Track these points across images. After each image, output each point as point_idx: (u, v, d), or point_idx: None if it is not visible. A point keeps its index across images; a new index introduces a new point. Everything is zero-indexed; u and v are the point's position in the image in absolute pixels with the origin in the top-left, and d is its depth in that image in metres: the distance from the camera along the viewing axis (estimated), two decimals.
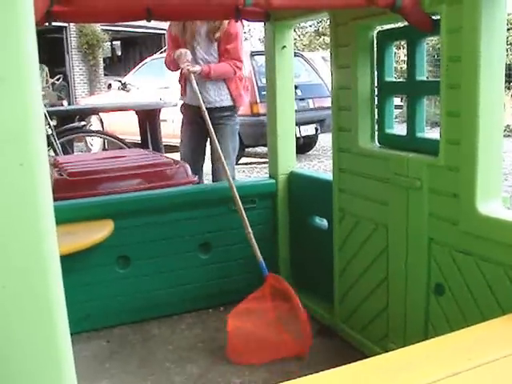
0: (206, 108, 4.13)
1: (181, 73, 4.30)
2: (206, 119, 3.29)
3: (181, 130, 4.56)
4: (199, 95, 3.44)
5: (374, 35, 2.38)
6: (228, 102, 4.31)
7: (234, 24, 4.17)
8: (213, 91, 4.24)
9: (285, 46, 2.97)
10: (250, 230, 2.87)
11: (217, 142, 3.29)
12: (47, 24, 2.21)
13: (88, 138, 10.43)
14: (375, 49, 2.38)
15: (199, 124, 4.09)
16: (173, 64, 4.26)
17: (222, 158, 3.14)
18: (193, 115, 4.23)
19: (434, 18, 2.00)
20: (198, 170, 4.23)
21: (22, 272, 0.79)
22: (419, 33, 2.12)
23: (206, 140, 4.35)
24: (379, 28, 2.41)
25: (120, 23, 17.17)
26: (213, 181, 4.40)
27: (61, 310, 0.83)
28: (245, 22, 3.41)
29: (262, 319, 2.66)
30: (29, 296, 0.80)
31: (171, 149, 7.34)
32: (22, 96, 0.75)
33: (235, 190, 2.87)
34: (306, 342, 2.60)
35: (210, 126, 3.27)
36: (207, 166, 4.55)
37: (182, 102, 4.53)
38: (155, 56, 11.59)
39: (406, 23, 2.13)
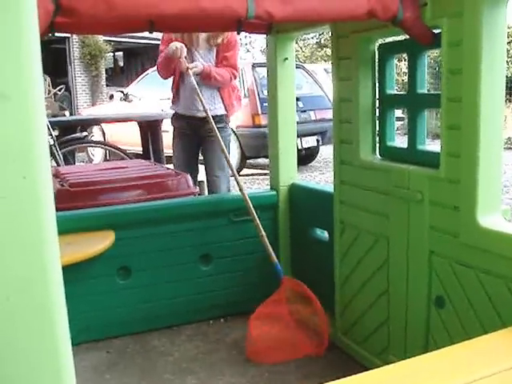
0: (200, 118, 4.13)
1: (173, 80, 4.25)
2: (211, 121, 3.29)
3: (173, 143, 4.47)
4: (198, 90, 3.40)
5: (376, 48, 2.39)
6: (221, 111, 4.28)
7: (233, 33, 4.18)
8: (206, 99, 4.17)
9: (286, 58, 2.98)
10: (263, 233, 2.90)
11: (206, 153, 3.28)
12: (50, 35, 2.22)
13: (90, 149, 10.45)
14: (376, 61, 2.39)
15: (191, 136, 4.09)
16: (165, 68, 4.15)
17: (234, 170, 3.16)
18: (185, 126, 4.21)
19: (434, 31, 2.02)
20: (194, 182, 4.22)
21: (25, 283, 0.80)
22: (420, 46, 2.13)
23: (199, 151, 4.33)
24: (381, 41, 2.42)
25: (122, 34, 17.27)
26: (208, 192, 4.38)
27: (62, 319, 0.84)
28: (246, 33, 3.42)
29: (281, 322, 2.76)
30: (31, 307, 0.81)
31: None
32: (25, 111, 0.76)
33: (248, 198, 2.88)
34: (324, 341, 2.68)
35: (216, 131, 3.29)
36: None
37: (172, 111, 4.44)
38: None
39: (407, 36, 2.14)
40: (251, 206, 2.89)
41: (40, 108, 0.78)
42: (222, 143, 3.44)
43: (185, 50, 3.96)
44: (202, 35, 4.14)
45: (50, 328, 0.82)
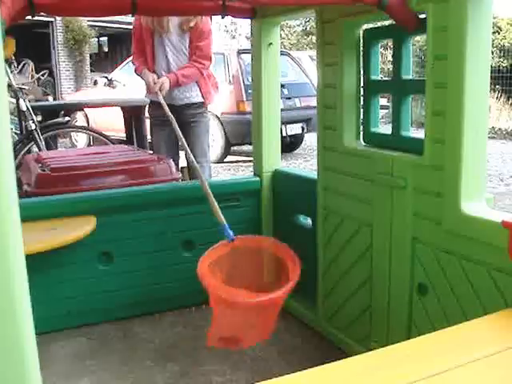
0: (177, 105, 4.11)
1: (148, 70, 4.24)
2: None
3: (151, 133, 4.46)
4: (167, 108, 3.39)
5: (361, 33, 2.38)
6: (199, 99, 4.30)
7: (207, 21, 4.15)
8: (183, 87, 4.20)
9: (271, 43, 2.96)
10: (213, 198, 2.68)
11: (185, 142, 3.23)
12: (31, 17, 2.17)
13: (73, 135, 10.37)
14: (361, 47, 2.38)
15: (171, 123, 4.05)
16: (139, 73, 4.24)
17: (193, 160, 3.05)
18: (164, 114, 4.17)
19: (420, 16, 2.00)
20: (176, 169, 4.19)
21: None
22: (405, 31, 2.11)
23: None
24: (366, 26, 2.40)
25: (107, 18, 17.11)
26: (190, 178, 4.35)
27: (25, 308, 0.81)
28: (231, 19, 3.38)
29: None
30: None
31: None
32: None
33: (208, 187, 2.75)
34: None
35: (176, 126, 3.21)
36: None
37: (147, 100, 4.47)
38: None
39: (392, 21, 2.12)
40: (210, 192, 2.75)
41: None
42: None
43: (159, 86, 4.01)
44: (174, 21, 4.10)
45: (11, 316, 0.79)
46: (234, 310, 2.40)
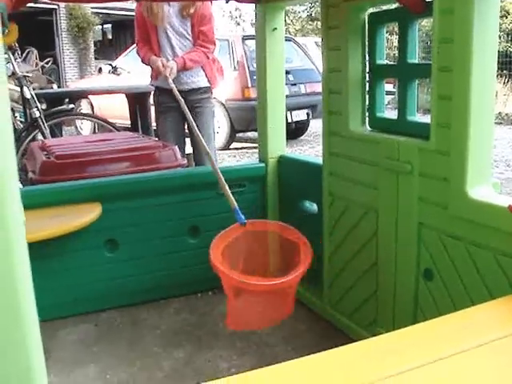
0: (184, 90, 4.11)
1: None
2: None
3: (157, 119, 4.46)
4: (176, 92, 3.38)
5: (366, 17, 2.35)
6: (205, 83, 4.29)
7: (208, 5, 4.13)
8: (189, 72, 4.19)
9: (276, 28, 2.93)
10: (224, 182, 2.76)
11: (195, 125, 3.23)
12: (34, 3, 2.16)
13: (78, 122, 10.36)
14: (367, 31, 2.36)
15: (177, 109, 4.01)
16: (146, 62, 4.24)
17: (205, 145, 3.06)
18: (170, 100, 4.13)
19: None
20: (182, 155, 4.19)
21: None
22: (411, 15, 2.09)
23: (185, 123, 4.30)
24: (371, 10, 2.38)
25: (111, 5, 17.05)
26: (195, 164, 4.35)
27: (28, 295, 0.80)
28: (236, 4, 3.36)
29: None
30: None
31: None
32: None
33: (220, 173, 2.80)
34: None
35: (185, 109, 3.22)
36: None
37: (152, 87, 4.47)
38: None
39: (397, 5, 2.10)
40: (222, 178, 2.79)
41: None
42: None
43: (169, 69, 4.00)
44: (175, 8, 4.09)
45: (15, 302, 0.79)
46: (248, 294, 2.42)
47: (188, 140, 4.39)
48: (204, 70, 4.25)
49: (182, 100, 3.24)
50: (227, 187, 2.71)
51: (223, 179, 2.73)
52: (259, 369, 1.20)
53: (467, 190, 1.86)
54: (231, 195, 2.68)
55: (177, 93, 3.34)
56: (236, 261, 2.54)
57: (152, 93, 4.59)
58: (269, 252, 2.73)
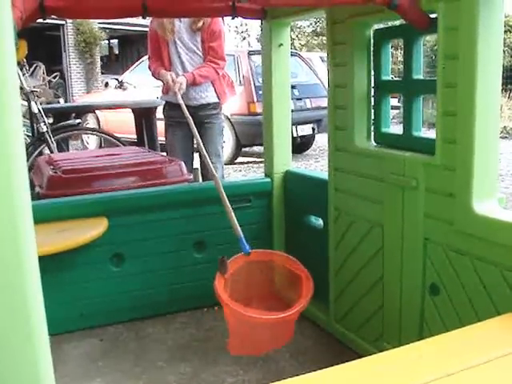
0: (193, 105, 4.13)
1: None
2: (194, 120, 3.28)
3: (166, 133, 4.47)
4: (184, 108, 3.40)
5: (371, 33, 2.37)
6: (214, 99, 4.32)
7: (218, 21, 4.17)
8: (198, 87, 4.22)
9: (281, 44, 2.95)
10: (230, 209, 2.73)
11: (202, 144, 3.23)
12: (42, 20, 2.18)
13: (84, 137, 10.41)
14: (372, 47, 2.37)
15: (186, 124, 4.03)
16: (156, 76, 4.28)
17: (211, 167, 3.04)
18: (180, 115, 4.15)
19: (431, 15, 1.99)
20: (190, 170, 4.20)
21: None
22: (416, 31, 2.10)
23: (194, 139, 4.32)
24: (376, 26, 2.39)
25: (117, 21, 17.17)
26: (203, 179, 4.36)
27: (38, 309, 0.81)
28: (242, 20, 3.39)
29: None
30: (5, 295, 0.78)
31: None
32: None
33: (222, 189, 2.79)
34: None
35: (192, 125, 3.23)
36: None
37: (163, 101, 4.52)
38: None
39: (403, 21, 2.12)
40: (229, 206, 2.79)
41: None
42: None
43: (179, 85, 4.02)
44: (185, 23, 4.12)
45: (25, 316, 0.79)
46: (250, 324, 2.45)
47: (196, 154, 4.40)
48: (213, 86, 4.28)
49: (190, 117, 3.25)
50: (233, 214, 2.70)
51: (230, 207, 2.73)
52: None
53: (473, 205, 1.86)
54: (237, 223, 2.68)
55: (185, 109, 3.35)
56: (239, 289, 2.57)
57: (162, 107, 4.62)
58: (271, 281, 2.75)
